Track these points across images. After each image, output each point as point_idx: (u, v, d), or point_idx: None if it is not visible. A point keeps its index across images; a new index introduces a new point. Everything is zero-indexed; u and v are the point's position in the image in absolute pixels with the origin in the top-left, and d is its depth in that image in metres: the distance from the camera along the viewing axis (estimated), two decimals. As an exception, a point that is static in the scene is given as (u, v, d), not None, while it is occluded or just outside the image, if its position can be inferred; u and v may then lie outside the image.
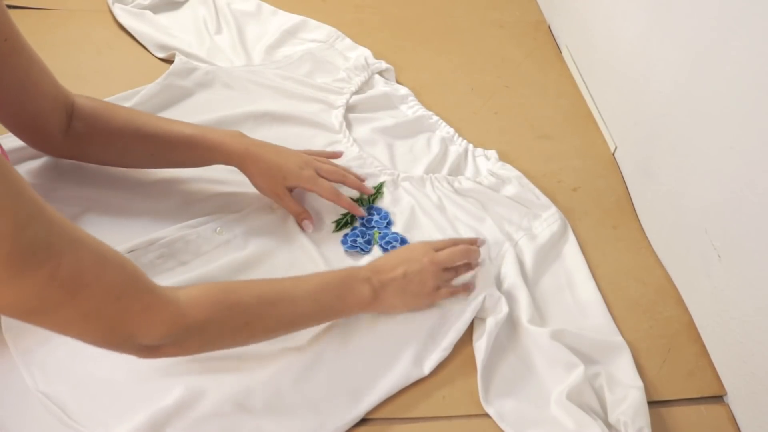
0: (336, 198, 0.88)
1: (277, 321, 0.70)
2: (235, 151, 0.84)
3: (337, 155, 0.95)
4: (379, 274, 0.77)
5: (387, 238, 0.89)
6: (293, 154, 0.88)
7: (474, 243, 0.85)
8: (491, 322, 0.81)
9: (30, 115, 0.77)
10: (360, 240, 0.88)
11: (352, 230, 0.90)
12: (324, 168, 0.89)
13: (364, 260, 0.87)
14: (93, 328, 0.57)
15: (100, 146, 0.83)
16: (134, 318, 0.57)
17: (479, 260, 0.85)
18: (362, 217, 0.91)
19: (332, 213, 0.91)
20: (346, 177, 0.90)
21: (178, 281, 0.79)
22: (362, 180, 0.93)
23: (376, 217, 0.92)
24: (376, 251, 0.88)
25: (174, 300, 0.60)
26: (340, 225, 0.90)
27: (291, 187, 0.87)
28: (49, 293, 0.52)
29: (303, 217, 0.88)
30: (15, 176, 0.49)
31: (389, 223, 0.92)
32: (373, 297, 0.76)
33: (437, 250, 0.81)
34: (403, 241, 0.89)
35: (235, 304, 0.65)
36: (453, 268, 0.82)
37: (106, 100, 0.96)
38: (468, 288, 0.84)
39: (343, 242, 0.89)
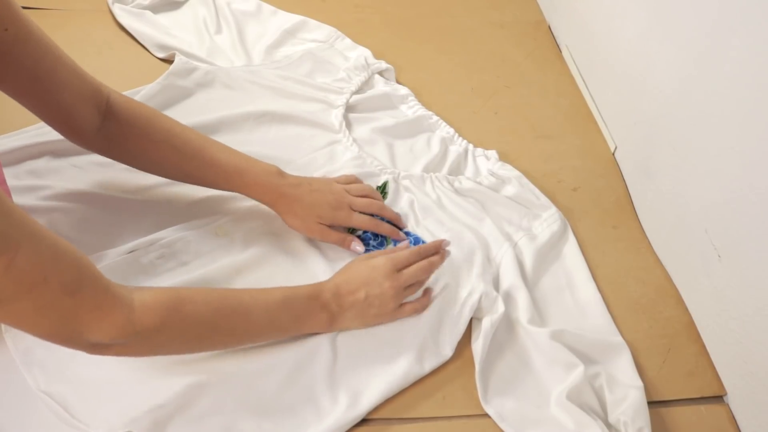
0: (375, 227, 0.88)
1: (230, 335, 0.70)
2: (268, 191, 0.83)
3: (360, 182, 0.93)
4: (340, 298, 0.76)
5: None
6: (327, 192, 0.86)
7: (438, 250, 0.83)
8: (487, 323, 0.81)
9: (52, 107, 0.74)
10: (372, 243, 0.88)
11: (363, 232, 0.89)
12: (358, 203, 0.87)
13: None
14: (45, 323, 0.57)
15: (134, 154, 0.81)
16: (86, 316, 0.58)
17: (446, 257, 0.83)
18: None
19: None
20: (383, 210, 0.89)
21: (179, 282, 0.79)
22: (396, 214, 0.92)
23: (386, 219, 0.92)
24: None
25: (127, 303, 0.60)
26: (351, 228, 0.90)
27: (326, 225, 0.86)
28: (4, 285, 0.52)
29: (347, 243, 0.86)
30: None
31: None
32: (330, 322, 0.76)
33: (400, 267, 0.78)
34: (416, 240, 0.89)
35: (188, 315, 0.65)
36: (417, 282, 0.81)
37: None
38: (429, 294, 0.83)
39: None
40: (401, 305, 0.80)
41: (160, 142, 0.80)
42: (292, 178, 0.85)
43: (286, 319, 0.73)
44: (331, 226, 0.86)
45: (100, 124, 0.78)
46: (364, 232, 0.89)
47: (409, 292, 0.80)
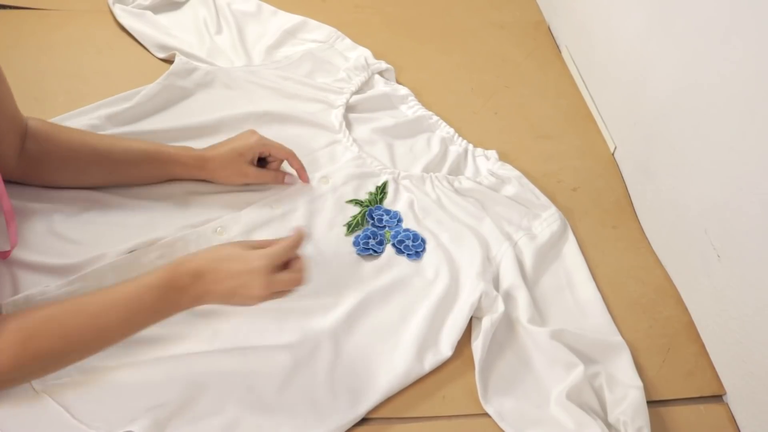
0: (290, 155, 0.91)
1: (87, 351, 0.68)
2: (190, 158, 0.87)
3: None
4: (203, 283, 0.69)
5: (399, 237, 0.89)
6: (241, 134, 0.90)
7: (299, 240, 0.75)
8: (487, 322, 0.81)
9: None
10: (372, 242, 0.88)
11: (363, 232, 0.90)
12: (271, 140, 0.91)
13: (376, 263, 0.87)
14: None
15: (55, 167, 0.82)
16: None
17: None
18: (372, 218, 0.91)
19: (342, 216, 0.92)
20: (293, 154, 0.92)
21: None
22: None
23: (386, 217, 0.92)
24: (389, 250, 0.89)
25: None
26: (351, 227, 0.90)
27: (251, 161, 0.89)
28: None
29: (281, 178, 0.92)
30: None
31: (399, 221, 0.92)
32: (191, 303, 0.70)
33: (276, 264, 0.70)
34: (416, 237, 0.90)
35: (42, 352, 0.64)
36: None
37: (102, 101, 0.97)
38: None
39: (355, 244, 0.89)
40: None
41: (77, 148, 0.82)
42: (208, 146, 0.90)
43: (142, 318, 0.69)
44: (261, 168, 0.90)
45: (21, 149, 0.79)
46: (363, 231, 0.90)
47: (278, 296, 0.72)
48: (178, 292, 0.69)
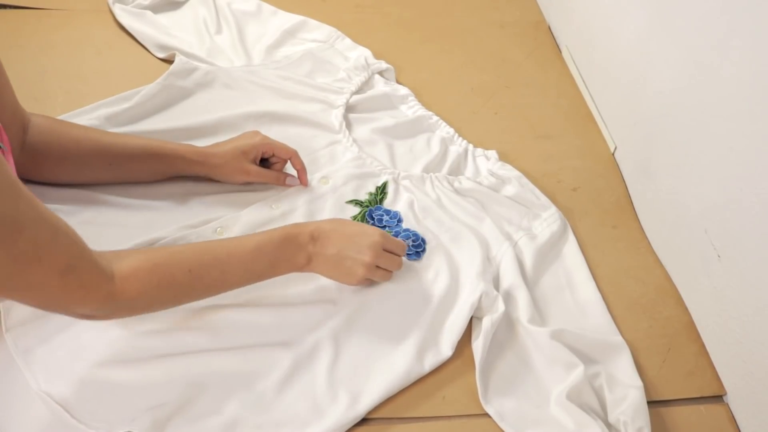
0: (293, 155, 0.91)
1: (206, 291, 0.73)
2: (193, 153, 0.87)
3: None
4: (318, 242, 0.77)
5: (400, 236, 0.90)
6: (245, 134, 0.91)
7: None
8: (487, 322, 0.81)
9: None
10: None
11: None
12: (274, 139, 0.91)
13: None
14: (34, 297, 0.61)
15: (56, 160, 0.82)
16: (73, 294, 0.61)
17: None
18: (372, 218, 0.91)
19: (342, 217, 0.91)
20: (297, 155, 0.92)
21: None
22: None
23: (386, 217, 0.92)
24: None
25: (110, 277, 0.63)
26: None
27: (253, 160, 0.90)
28: (2, 263, 0.54)
29: (282, 178, 0.92)
30: None
31: (399, 221, 0.92)
32: (306, 263, 0.77)
33: (386, 248, 0.80)
34: (416, 237, 0.90)
35: (165, 282, 0.68)
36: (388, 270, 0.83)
37: (102, 101, 0.97)
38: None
39: None
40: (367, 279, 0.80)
41: (78, 141, 0.82)
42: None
43: (261, 267, 0.75)
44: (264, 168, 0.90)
45: (22, 142, 0.79)
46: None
47: (379, 273, 0.81)
48: (295, 248, 0.75)
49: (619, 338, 0.83)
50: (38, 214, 0.57)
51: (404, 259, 0.88)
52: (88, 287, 0.62)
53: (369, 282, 0.82)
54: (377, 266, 0.80)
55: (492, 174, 0.99)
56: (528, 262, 0.90)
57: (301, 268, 0.78)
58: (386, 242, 0.80)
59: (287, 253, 0.75)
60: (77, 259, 0.60)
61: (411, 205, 0.95)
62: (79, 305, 0.63)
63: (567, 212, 0.98)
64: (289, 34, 1.18)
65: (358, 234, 0.78)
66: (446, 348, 0.80)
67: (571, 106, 1.17)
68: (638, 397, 0.76)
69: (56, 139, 0.81)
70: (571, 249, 0.93)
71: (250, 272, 0.74)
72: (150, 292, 0.67)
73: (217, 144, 0.90)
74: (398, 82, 1.15)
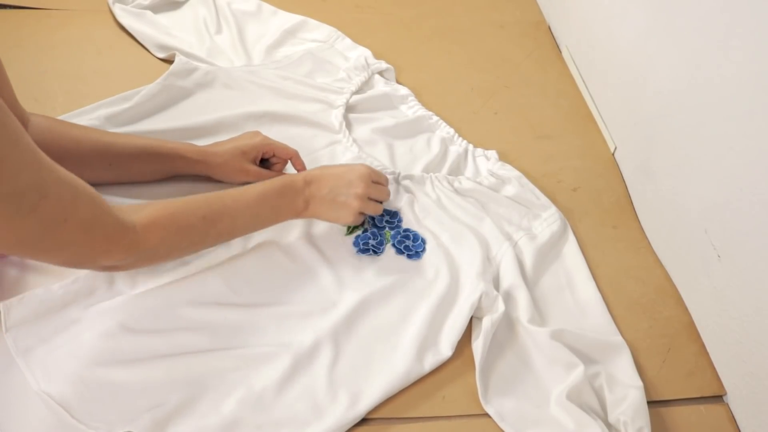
0: (294, 155, 0.92)
1: (218, 237, 0.78)
2: (193, 152, 0.88)
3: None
4: (315, 186, 0.83)
5: (399, 237, 0.89)
6: (245, 134, 0.92)
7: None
8: (487, 322, 0.81)
9: None
10: (372, 242, 0.88)
11: (363, 232, 0.90)
12: (275, 140, 0.92)
13: (376, 263, 0.87)
14: (63, 255, 0.64)
15: (56, 160, 0.81)
16: (99, 247, 0.64)
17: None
18: (372, 218, 0.91)
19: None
20: (297, 155, 0.93)
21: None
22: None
23: (386, 217, 0.92)
24: (389, 250, 0.88)
25: (131, 228, 0.67)
26: (351, 228, 0.90)
27: (253, 160, 0.90)
28: (30, 226, 0.57)
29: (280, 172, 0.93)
30: (13, 125, 0.54)
31: (400, 221, 0.92)
32: (304, 207, 0.83)
33: (374, 180, 0.86)
34: (416, 237, 0.90)
35: (183, 228, 0.72)
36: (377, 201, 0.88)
37: (102, 101, 0.97)
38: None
39: (355, 245, 0.88)
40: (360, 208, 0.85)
41: (78, 141, 0.82)
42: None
43: (266, 212, 0.81)
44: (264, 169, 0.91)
45: None
46: (363, 232, 0.90)
47: (371, 205, 0.86)
48: (294, 193, 0.82)
49: (619, 338, 0.83)
50: (59, 177, 0.59)
51: (405, 258, 0.88)
52: (112, 239, 0.65)
53: (362, 217, 0.87)
54: (368, 198, 0.85)
55: (492, 174, 0.99)
56: (528, 262, 0.90)
57: (300, 213, 0.83)
58: (372, 173, 0.86)
59: (287, 198, 0.81)
60: (100, 213, 0.63)
61: (411, 205, 0.95)
62: (105, 257, 0.66)
63: (567, 212, 0.98)
64: (289, 34, 1.18)
65: (346, 171, 0.85)
66: (446, 348, 0.80)
67: (571, 106, 1.17)
68: (638, 397, 0.76)
69: (56, 139, 0.81)
70: (571, 249, 0.93)
71: (257, 217, 0.80)
72: (170, 238, 0.71)
73: (217, 143, 0.90)
74: (398, 82, 1.15)
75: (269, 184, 0.80)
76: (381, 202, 0.89)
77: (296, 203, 0.82)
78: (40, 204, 0.56)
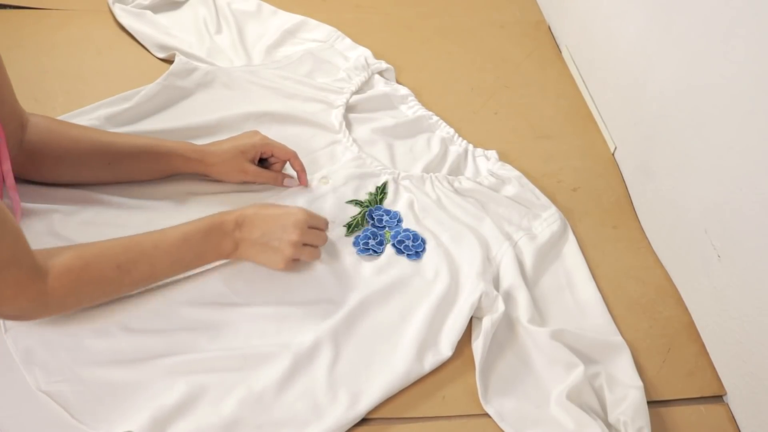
0: (292, 156, 0.91)
1: (134, 284, 0.75)
2: (191, 151, 0.87)
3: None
4: (244, 228, 0.78)
5: (399, 237, 0.89)
6: (244, 134, 0.91)
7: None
8: (487, 322, 0.81)
9: None
10: (372, 242, 0.88)
11: (363, 232, 0.90)
12: (273, 140, 0.91)
13: (376, 263, 0.87)
14: None
15: (54, 160, 0.82)
16: (4, 292, 0.62)
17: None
18: (372, 218, 0.91)
19: (342, 217, 0.91)
20: (296, 156, 0.92)
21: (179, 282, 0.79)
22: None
23: (386, 217, 0.92)
24: (389, 250, 0.88)
25: (42, 277, 0.65)
26: (351, 228, 0.90)
27: (252, 160, 0.90)
28: None
29: (280, 179, 0.92)
30: None
31: (399, 221, 0.92)
32: (233, 249, 0.79)
33: (311, 225, 0.81)
34: (416, 237, 0.90)
35: (95, 279, 0.70)
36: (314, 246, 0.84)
37: (102, 101, 0.97)
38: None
39: (355, 245, 0.89)
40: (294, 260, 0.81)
41: (77, 140, 0.82)
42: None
43: (189, 257, 0.76)
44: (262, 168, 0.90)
45: (20, 141, 0.79)
46: (363, 231, 0.90)
47: (306, 251, 0.81)
48: (221, 236, 0.77)
49: (619, 338, 0.83)
50: None
51: (405, 258, 0.88)
52: (21, 285, 0.63)
53: (296, 264, 0.82)
54: (304, 244, 0.80)
55: (492, 174, 0.99)
56: (528, 262, 0.90)
57: (228, 255, 0.79)
58: (310, 219, 0.81)
59: (213, 241, 0.77)
60: (17, 257, 0.61)
61: (411, 205, 0.95)
62: (8, 304, 0.64)
63: (567, 212, 0.98)
64: (289, 34, 1.18)
65: (281, 215, 0.79)
66: (446, 348, 0.80)
67: (571, 106, 1.17)
68: (638, 397, 0.76)
69: (55, 139, 0.81)
70: (571, 249, 0.93)
71: (178, 263, 0.76)
72: (80, 289, 0.69)
73: (215, 142, 0.90)
74: (398, 82, 1.15)
75: (195, 225, 0.76)
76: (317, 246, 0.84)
77: (223, 246, 0.78)
78: None
